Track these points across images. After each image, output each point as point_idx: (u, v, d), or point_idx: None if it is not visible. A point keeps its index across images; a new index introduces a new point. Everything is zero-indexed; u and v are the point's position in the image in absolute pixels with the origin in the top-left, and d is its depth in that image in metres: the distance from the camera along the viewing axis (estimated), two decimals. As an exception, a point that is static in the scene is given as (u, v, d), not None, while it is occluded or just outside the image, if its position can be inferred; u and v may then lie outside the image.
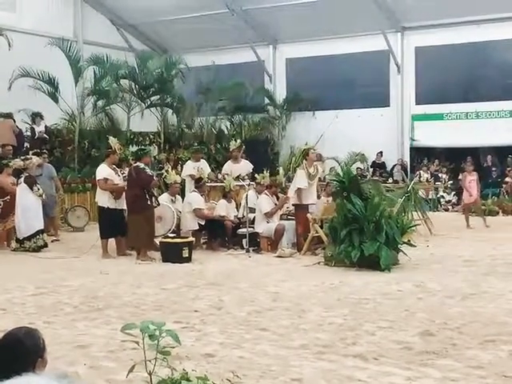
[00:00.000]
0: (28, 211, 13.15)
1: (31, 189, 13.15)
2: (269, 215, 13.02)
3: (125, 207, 12.56)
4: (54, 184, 15.36)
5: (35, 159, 13.87)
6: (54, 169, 15.76)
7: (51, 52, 19.86)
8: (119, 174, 12.75)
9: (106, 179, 12.47)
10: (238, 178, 14.41)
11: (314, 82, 24.83)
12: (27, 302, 8.41)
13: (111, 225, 12.39)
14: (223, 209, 13.60)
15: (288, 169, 22.08)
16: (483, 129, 22.52)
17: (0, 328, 5.32)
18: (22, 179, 13.24)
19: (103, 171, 12.58)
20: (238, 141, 16.13)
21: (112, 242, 12.66)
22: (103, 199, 12.54)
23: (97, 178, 12.73)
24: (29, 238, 13.10)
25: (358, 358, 5.90)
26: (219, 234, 13.31)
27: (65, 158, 19.60)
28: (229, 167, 15.27)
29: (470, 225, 16.61)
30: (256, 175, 14.10)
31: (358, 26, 23.35)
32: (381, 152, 24.03)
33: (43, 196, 13.36)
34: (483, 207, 18.36)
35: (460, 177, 22.71)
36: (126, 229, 12.49)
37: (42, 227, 13.32)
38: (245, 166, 15.23)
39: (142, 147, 19.86)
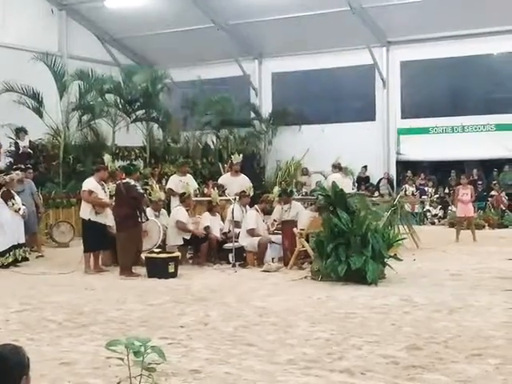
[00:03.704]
0: (2, 226, 13.03)
1: (6, 203, 13.03)
2: (250, 234, 12.98)
3: (108, 223, 12.51)
4: (35, 199, 15.19)
5: (14, 174, 13.77)
6: (35, 184, 15.54)
7: (36, 66, 19.83)
8: (106, 190, 12.71)
9: (90, 191, 12.42)
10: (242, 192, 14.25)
11: (299, 96, 24.95)
12: (11, 319, 8.31)
13: (94, 238, 12.32)
14: (207, 221, 13.53)
15: (274, 183, 22.12)
16: (469, 142, 22.67)
17: (-18, 345, 5.23)
18: None
19: (89, 184, 12.55)
20: (241, 155, 16.17)
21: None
22: (85, 211, 12.51)
23: (82, 189, 12.71)
24: (2, 254, 12.96)
25: (344, 373, 5.86)
26: (204, 248, 13.22)
27: (49, 173, 19.50)
28: (226, 180, 15.25)
29: (458, 239, 16.59)
30: (245, 188, 14.12)
31: (343, 41, 23.50)
32: (365, 166, 24.11)
33: (21, 211, 13.21)
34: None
35: (446, 190, 22.88)
36: (107, 244, 12.46)
37: (18, 242, 13.12)
38: (242, 181, 15.15)
39: (133, 163, 19.87)
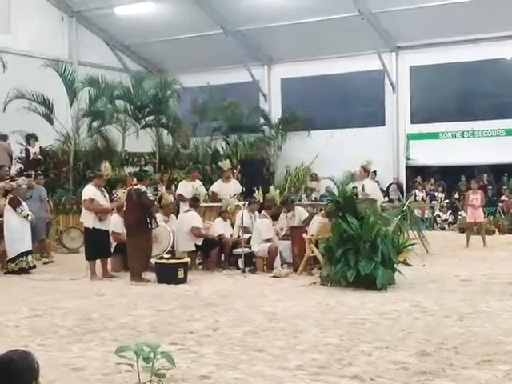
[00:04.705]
0: (11, 233, 13.06)
1: (14, 210, 13.08)
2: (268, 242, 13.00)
3: (112, 229, 12.54)
4: (44, 206, 15.26)
5: (21, 180, 13.82)
6: (45, 191, 15.64)
7: (46, 73, 19.90)
8: (105, 195, 12.74)
9: (91, 199, 12.45)
10: (232, 197, 14.43)
11: (309, 101, 24.93)
12: (21, 325, 8.34)
13: (97, 246, 12.35)
14: (219, 227, 13.57)
15: (284, 188, 22.12)
16: (479, 147, 22.61)
17: (-7, 351, 5.25)
18: (7, 201, 13.20)
19: (89, 191, 12.57)
20: (228, 160, 16.30)
21: (98, 263, 12.59)
22: (88, 220, 12.49)
23: (82, 198, 12.73)
24: (12, 260, 13.00)
25: (354, 379, 5.84)
26: (214, 253, 13.24)
27: (59, 180, 19.56)
28: (219, 187, 15.34)
29: (468, 244, 16.54)
30: (254, 194, 14.16)
31: (352, 46, 23.50)
32: (374, 171, 24.03)
33: (29, 217, 13.23)
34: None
35: (456, 195, 22.81)
36: (110, 251, 12.56)
37: (26, 249, 13.13)
38: (234, 186, 15.35)
39: (144, 169, 19.93)
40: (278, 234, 13.59)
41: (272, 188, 14.91)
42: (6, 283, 12.08)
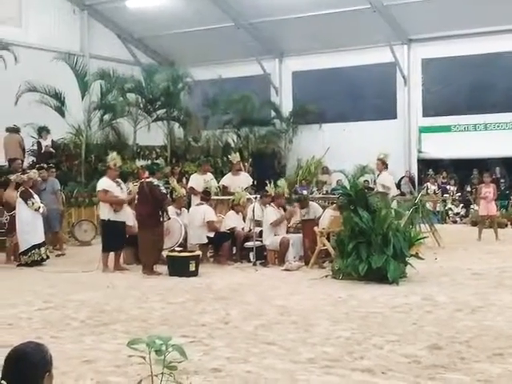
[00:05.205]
0: (23, 225, 13.12)
1: (26, 203, 13.13)
2: (274, 224, 12.96)
3: (128, 222, 12.57)
4: (57, 198, 15.33)
5: (32, 173, 13.88)
6: (58, 183, 15.71)
7: (58, 66, 19.95)
8: (122, 187, 12.73)
9: (105, 191, 12.49)
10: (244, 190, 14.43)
11: (320, 94, 24.87)
12: (34, 317, 8.39)
13: (112, 238, 12.38)
14: (232, 220, 13.59)
15: (295, 182, 22.10)
16: (491, 140, 22.50)
17: (7, 343, 5.31)
18: (18, 193, 13.26)
19: (103, 183, 12.63)
20: (237, 153, 16.30)
21: (111, 256, 12.63)
22: (104, 212, 12.58)
23: (97, 190, 12.79)
24: (25, 253, 13.07)
25: (365, 372, 5.85)
26: (226, 246, 13.26)
27: (71, 172, 19.63)
28: (229, 180, 15.33)
29: (481, 238, 16.48)
30: (266, 187, 14.11)
31: (364, 39, 23.42)
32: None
33: (40, 210, 13.28)
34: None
35: (468, 189, 22.73)
36: (125, 243, 12.54)
37: (38, 241, 13.19)
38: (245, 179, 15.33)
39: (156, 162, 19.92)
40: (289, 228, 13.58)
41: (280, 180, 14.70)
42: (19, 275, 12.15)
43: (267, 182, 13.94)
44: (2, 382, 3.01)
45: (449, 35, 22.99)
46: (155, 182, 12.22)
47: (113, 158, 12.83)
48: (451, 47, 23.10)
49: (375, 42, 23.44)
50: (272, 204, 13.39)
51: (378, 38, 23.10)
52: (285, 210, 13.59)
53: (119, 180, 12.87)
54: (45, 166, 15.95)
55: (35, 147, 19.15)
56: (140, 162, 20.80)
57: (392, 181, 15.48)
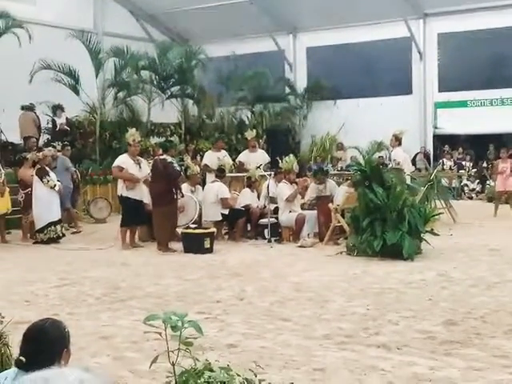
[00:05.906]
0: (40, 203, 13.18)
1: (42, 180, 13.19)
2: (290, 199, 12.91)
3: (143, 199, 12.59)
4: (69, 175, 15.33)
5: (47, 151, 13.91)
6: (69, 160, 15.67)
7: (71, 44, 19.91)
8: (141, 165, 12.71)
9: (120, 167, 12.53)
10: (258, 168, 14.41)
11: (334, 70, 24.69)
12: (50, 294, 8.47)
13: (130, 214, 12.43)
14: (247, 197, 13.59)
15: (310, 158, 22.04)
16: (508, 115, 22.26)
17: (24, 320, 5.35)
18: (34, 171, 13.33)
19: (119, 160, 12.75)
20: (254, 130, 16.29)
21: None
22: (119, 187, 12.80)
23: (112, 166, 12.90)
24: (41, 230, 13.15)
25: (381, 348, 5.86)
26: (241, 223, 13.26)
27: (86, 150, 19.67)
28: (245, 156, 15.33)
29: (497, 214, 16.38)
30: (280, 164, 14.03)
31: (379, 13, 23.16)
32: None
33: (56, 187, 13.32)
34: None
35: (484, 164, 22.57)
36: (143, 220, 12.56)
37: (54, 219, 13.24)
38: (261, 156, 15.35)
39: (170, 139, 19.90)
40: (303, 204, 13.56)
41: (288, 156, 14.47)
42: (35, 253, 12.24)
43: (278, 158, 13.90)
44: (21, 357, 3.03)
45: (465, 9, 22.68)
46: (169, 159, 12.22)
47: (131, 134, 12.84)
48: (467, 21, 22.81)
49: (390, 16, 23.18)
50: (284, 180, 13.37)
51: (393, 12, 22.85)
52: (297, 184, 13.56)
53: (140, 158, 12.86)
54: (56, 144, 15.97)
55: (50, 125, 19.18)
56: (154, 140, 20.79)
57: (405, 157, 15.35)
